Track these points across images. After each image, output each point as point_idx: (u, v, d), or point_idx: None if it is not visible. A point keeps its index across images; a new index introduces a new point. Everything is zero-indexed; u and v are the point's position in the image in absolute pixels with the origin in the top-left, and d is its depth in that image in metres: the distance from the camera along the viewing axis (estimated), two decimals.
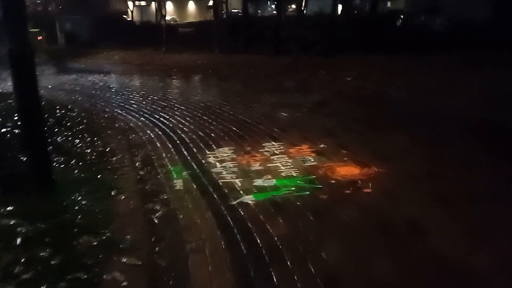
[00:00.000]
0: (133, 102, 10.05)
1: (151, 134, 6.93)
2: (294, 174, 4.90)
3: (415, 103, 8.01)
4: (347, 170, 5.03)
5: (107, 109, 9.13)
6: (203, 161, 5.45)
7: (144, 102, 9.93)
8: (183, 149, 6.00)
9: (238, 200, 4.19)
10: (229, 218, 3.82)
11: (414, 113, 7.47)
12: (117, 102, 10.04)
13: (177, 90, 11.99)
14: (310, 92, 9.82)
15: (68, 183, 4.24)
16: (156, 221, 3.77)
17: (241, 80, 12.66)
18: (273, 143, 6.18)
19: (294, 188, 4.48)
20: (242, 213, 3.91)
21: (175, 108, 9.04)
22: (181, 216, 3.88)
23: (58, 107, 8.66)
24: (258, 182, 4.68)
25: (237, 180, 4.73)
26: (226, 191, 4.45)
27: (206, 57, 18.53)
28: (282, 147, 5.97)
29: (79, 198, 3.93)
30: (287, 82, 11.54)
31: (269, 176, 4.84)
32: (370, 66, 11.12)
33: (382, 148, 5.77)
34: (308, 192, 4.36)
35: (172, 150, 5.99)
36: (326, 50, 14.67)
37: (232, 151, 5.85)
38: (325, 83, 10.42)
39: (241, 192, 4.41)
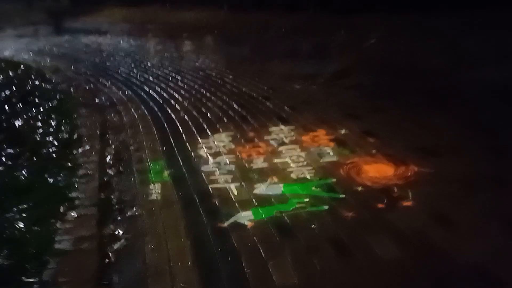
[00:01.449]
0: (123, 69, 8.92)
1: (135, 113, 5.84)
2: (308, 176, 3.80)
3: (458, 74, 6.72)
4: (377, 170, 3.91)
5: (91, 79, 8.03)
6: (192, 154, 4.37)
7: (135, 70, 8.79)
8: (170, 136, 4.92)
9: (231, 221, 3.14)
10: (216, 255, 2.77)
11: (458, 88, 6.20)
12: (105, 70, 8.91)
13: (176, 55, 10.77)
14: (328, 59, 8.53)
15: (4, 194, 3.22)
16: (110, 259, 2.73)
17: (249, 43, 11.35)
18: (282, 127, 5.06)
19: (307, 200, 3.40)
20: (236, 244, 2.86)
21: (170, 78, 7.91)
22: (149, 248, 2.84)
23: (33, 76, 7.58)
24: (261, 188, 3.61)
25: (232, 186, 3.65)
26: (217, 203, 3.39)
27: (213, 15, 17.04)
28: (292, 133, 4.84)
29: (8, 218, 2.91)
30: (301, 45, 10.21)
31: (275, 179, 3.76)
32: (399, 26, 9.66)
33: (420, 137, 4.60)
34: (326, 207, 3.28)
35: (156, 136, 4.91)
36: (347, 6, 13.07)
37: (231, 138, 4.75)
38: (345, 47, 9.09)
39: (236, 205, 3.35)
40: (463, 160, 4.05)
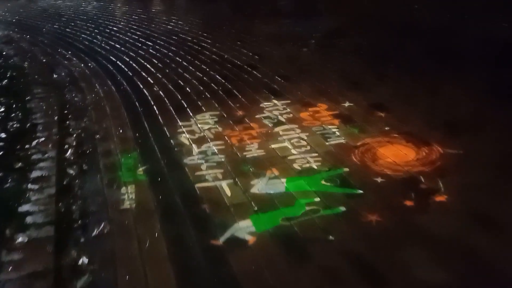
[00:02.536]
0: (86, 36, 7.99)
1: (100, 90, 5.07)
2: (315, 166, 3.19)
3: (463, 31, 6.09)
4: (395, 153, 3.33)
5: (48, 50, 7.11)
6: (172, 141, 3.69)
7: (99, 36, 7.88)
8: (143, 118, 4.21)
9: (227, 235, 2.52)
10: (210, 286, 2.17)
11: (465, 47, 5.61)
12: (65, 38, 7.96)
13: (145, 16, 9.79)
14: (318, 16, 7.75)
15: None
16: None
17: (227, 0, 10.40)
18: (275, 101, 4.40)
19: (318, 199, 2.80)
20: (235, 269, 2.26)
21: (140, 45, 7.06)
22: (123, 280, 2.22)
23: None
24: (259, 186, 2.99)
25: (224, 184, 3.02)
26: (207, 209, 2.76)
27: None
28: (288, 109, 4.19)
29: None
30: (287, 1, 9.35)
31: (275, 172, 3.14)
32: None
33: (438, 109, 4.03)
34: (343, 208, 2.69)
35: (127, 120, 4.19)
36: None
37: (216, 118, 4.08)
38: (336, 2, 8.31)
39: (232, 210, 2.73)
40: (491, 136, 3.51)
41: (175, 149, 3.55)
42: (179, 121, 4.06)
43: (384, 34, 6.39)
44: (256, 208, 2.73)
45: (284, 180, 3.03)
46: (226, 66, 5.63)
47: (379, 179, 2.99)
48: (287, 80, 4.94)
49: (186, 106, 4.41)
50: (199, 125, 3.94)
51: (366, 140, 3.53)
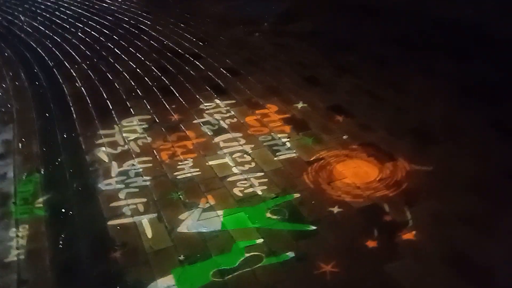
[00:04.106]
0: (6, 15, 7.02)
1: (10, 86, 4.30)
2: (259, 191, 2.68)
3: (424, 14, 5.65)
4: (355, 171, 2.86)
5: None
6: (87, 157, 3.06)
7: (22, 16, 6.93)
8: (56, 125, 3.53)
9: None
10: None
11: (429, 32, 5.20)
12: None
13: None
14: None
15: None
16: None
17: None
18: (218, 101, 3.82)
19: (261, 240, 2.29)
20: None
21: (69, 27, 6.23)
22: None
23: None
24: (189, 222, 2.44)
25: (145, 220, 2.45)
26: (118, 260, 2.18)
27: None
28: (233, 112, 3.63)
29: None
30: None
31: (211, 201, 2.59)
32: None
33: (405, 112, 3.59)
34: (291, 255, 2.20)
35: (35, 127, 3.50)
36: None
37: (146, 125, 3.46)
38: None
39: (150, 261, 2.17)
40: (464, 147, 3.10)
41: (90, 168, 2.93)
42: (100, 128, 3.41)
43: (342, 17, 5.88)
44: (182, 256, 2.19)
45: (221, 212, 2.50)
46: (166, 54, 4.97)
47: (335, 209, 2.51)
48: (234, 74, 4.36)
49: (111, 108, 3.76)
50: (123, 134, 3.32)
51: (321, 154, 3.04)
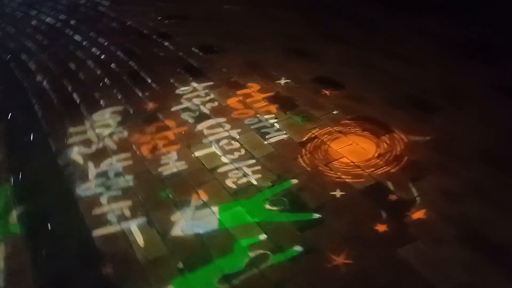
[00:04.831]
0: None
1: None
2: (254, 180, 2.51)
3: None
4: (351, 149, 2.73)
5: None
6: (59, 160, 2.81)
7: None
8: (19, 126, 3.24)
9: None
10: None
11: None
12: None
13: None
14: None
15: None
16: None
17: None
18: (195, 84, 3.59)
19: (264, 236, 2.14)
20: None
21: (22, 15, 5.77)
22: None
23: None
24: (183, 223, 2.26)
25: (134, 225, 2.26)
26: (112, 275, 2.00)
27: None
28: (212, 95, 3.42)
29: None
30: None
31: (203, 196, 2.41)
32: None
33: (401, 79, 3.46)
34: (299, 249, 2.06)
35: None
36: None
37: (120, 118, 3.22)
38: None
39: (146, 272, 1.99)
40: (470, 112, 2.99)
41: (64, 173, 2.69)
42: (69, 126, 3.15)
43: None
44: (181, 264, 2.03)
45: (215, 209, 2.33)
46: (130, 37, 4.66)
47: (337, 193, 2.37)
48: (208, 52, 4.12)
49: (78, 101, 3.48)
50: (96, 130, 3.07)
51: (313, 133, 2.89)
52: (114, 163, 2.73)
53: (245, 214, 2.28)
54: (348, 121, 2.98)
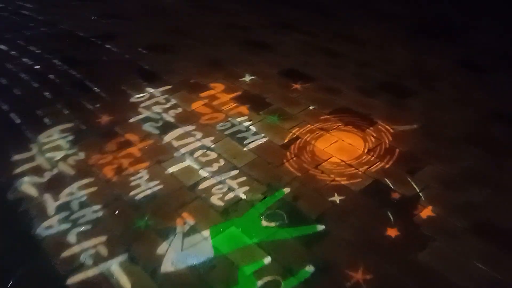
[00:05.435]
0: None
1: None
2: (242, 194, 2.29)
3: None
4: (338, 146, 2.59)
5: None
6: (9, 195, 2.41)
7: None
8: None
9: None
10: None
11: None
12: None
13: None
14: None
15: None
16: None
17: None
18: (151, 90, 3.28)
19: (269, 259, 1.92)
20: None
21: None
22: None
23: None
24: (172, 256, 1.99)
25: (115, 265, 1.98)
26: None
27: None
28: (174, 100, 3.13)
29: None
30: None
31: (190, 220, 2.15)
32: None
33: (371, 63, 3.34)
34: (311, 269, 1.87)
35: None
36: None
37: (72, 136, 2.85)
38: None
39: None
40: (445, 92, 2.96)
41: (18, 210, 2.30)
42: (13, 153, 2.73)
43: None
44: None
45: (206, 233, 2.07)
46: (66, 41, 4.20)
47: (336, 198, 2.21)
48: (159, 52, 3.79)
49: (19, 122, 3.04)
50: (46, 155, 2.69)
51: (294, 133, 2.71)
52: (76, 191, 2.38)
53: (241, 235, 2.05)
54: (327, 116, 2.82)
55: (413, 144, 2.52)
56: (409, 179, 2.27)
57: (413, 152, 2.46)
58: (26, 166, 2.59)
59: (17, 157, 2.68)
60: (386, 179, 2.29)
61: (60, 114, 3.07)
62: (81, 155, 2.65)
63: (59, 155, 2.67)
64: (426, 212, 2.08)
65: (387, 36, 3.72)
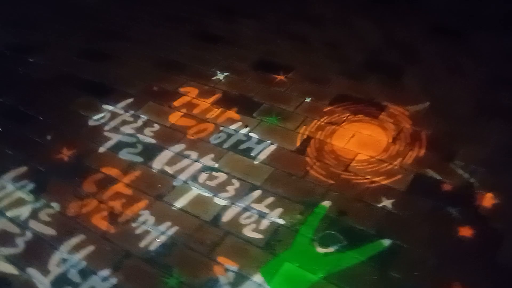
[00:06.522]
0: None
1: None
2: (277, 219, 2.00)
3: None
4: (359, 140, 2.40)
5: None
6: None
7: None
8: None
9: None
10: None
11: None
12: None
13: None
14: None
15: None
16: None
17: None
18: (109, 106, 2.82)
19: None
20: None
21: None
22: None
23: None
24: None
25: None
26: None
27: None
28: (144, 115, 2.70)
29: None
30: None
31: (230, 264, 1.82)
32: None
33: (342, 43, 3.17)
34: None
35: None
36: None
37: (30, 181, 2.31)
38: None
39: None
40: (434, 63, 2.86)
41: None
42: None
43: None
44: None
45: (259, 277, 1.75)
46: None
47: (385, 202, 1.99)
48: (97, 59, 3.25)
49: None
50: (8, 214, 2.14)
51: (302, 132, 2.43)
52: (68, 257, 1.90)
53: (301, 271, 1.75)
54: (330, 107, 2.58)
55: (433, 125, 2.38)
56: (452, 167, 2.12)
57: (438, 134, 2.33)
58: None
59: None
60: (428, 170, 2.12)
61: (4, 156, 2.48)
62: (55, 206, 2.14)
63: (25, 211, 2.14)
64: (489, 201, 1.94)
65: (342, 9, 3.53)
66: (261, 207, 2.03)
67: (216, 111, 2.63)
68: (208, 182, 2.18)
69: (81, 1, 4.08)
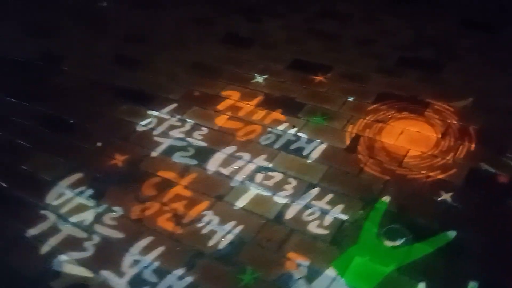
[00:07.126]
0: None
1: None
2: (340, 214, 2.07)
3: None
4: (408, 137, 2.50)
5: None
6: (49, 283, 1.95)
7: None
8: None
9: None
10: None
11: None
12: None
13: None
14: None
15: None
16: None
17: None
18: (154, 112, 2.91)
19: (423, 286, 1.75)
20: None
21: None
22: None
23: None
24: None
25: None
26: None
27: None
28: (190, 119, 2.80)
29: None
30: None
31: (302, 260, 1.91)
32: None
33: (371, 38, 3.27)
34: (474, 285, 1.72)
35: None
36: None
37: (88, 187, 2.40)
38: None
39: None
40: (468, 57, 2.96)
41: None
42: (24, 227, 2.23)
43: None
44: None
45: (331, 271, 1.84)
46: (3, 70, 3.55)
47: (445, 196, 2.09)
48: (129, 65, 3.35)
49: (6, 187, 2.49)
50: (71, 219, 2.23)
51: (351, 132, 2.52)
52: (140, 258, 1.99)
53: (372, 264, 1.84)
54: (374, 106, 2.68)
55: (479, 119, 2.47)
56: (506, 160, 2.21)
57: (485, 128, 2.42)
58: (53, 241, 2.12)
59: (32, 231, 2.18)
60: (481, 164, 2.21)
61: (56, 164, 2.57)
62: (117, 210, 2.23)
63: (88, 216, 2.22)
64: None
65: (369, 7, 3.64)
66: (322, 204, 2.12)
67: (261, 113, 2.73)
68: (265, 182, 2.27)
69: (100, 7, 4.18)
